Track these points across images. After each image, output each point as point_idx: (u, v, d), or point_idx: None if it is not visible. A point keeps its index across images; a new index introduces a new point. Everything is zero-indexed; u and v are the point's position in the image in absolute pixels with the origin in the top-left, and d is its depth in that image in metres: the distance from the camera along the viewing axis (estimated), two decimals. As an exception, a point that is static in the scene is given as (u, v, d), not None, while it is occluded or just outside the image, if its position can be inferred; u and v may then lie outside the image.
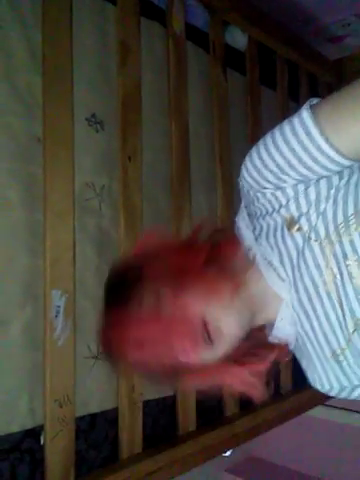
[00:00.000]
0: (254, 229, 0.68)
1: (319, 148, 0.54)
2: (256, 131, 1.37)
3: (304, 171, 0.57)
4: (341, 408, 2.02)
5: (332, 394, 0.70)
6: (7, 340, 0.77)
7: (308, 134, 0.54)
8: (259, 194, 0.63)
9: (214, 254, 0.66)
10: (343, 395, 0.70)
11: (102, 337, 0.67)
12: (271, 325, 0.68)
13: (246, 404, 1.27)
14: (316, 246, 0.60)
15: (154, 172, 1.03)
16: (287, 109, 1.54)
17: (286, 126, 0.56)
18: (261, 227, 0.67)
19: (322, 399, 1.57)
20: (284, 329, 0.69)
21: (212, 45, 1.24)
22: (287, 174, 0.58)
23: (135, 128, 0.99)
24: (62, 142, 0.85)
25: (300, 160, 0.56)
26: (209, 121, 1.22)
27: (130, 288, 0.63)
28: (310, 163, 0.56)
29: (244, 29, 1.36)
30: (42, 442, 0.81)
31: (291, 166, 0.57)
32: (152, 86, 1.06)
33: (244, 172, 0.63)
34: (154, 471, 0.94)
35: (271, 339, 0.70)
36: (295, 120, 0.55)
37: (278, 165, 0.58)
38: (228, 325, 0.63)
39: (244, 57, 1.39)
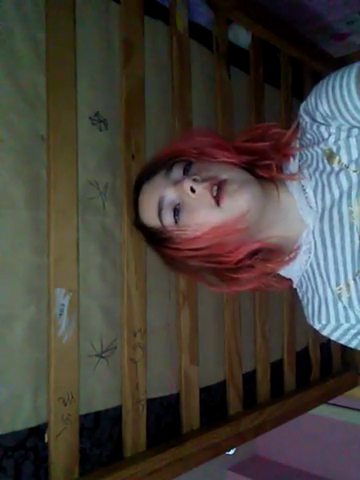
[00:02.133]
0: (300, 158, 0.76)
1: None
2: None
3: (353, 112, 0.65)
4: (345, 407, 2.01)
5: (325, 332, 0.73)
6: (11, 338, 0.77)
7: None
8: (308, 125, 0.72)
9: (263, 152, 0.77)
10: (336, 335, 0.72)
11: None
12: (283, 252, 0.77)
13: (250, 403, 1.27)
14: (354, 176, 0.67)
15: (158, 170, 1.03)
16: (291, 107, 1.54)
17: (353, 69, 0.65)
18: (306, 156, 0.74)
19: (326, 398, 1.57)
20: (291, 270, 0.77)
21: (216, 43, 1.24)
22: (339, 111, 0.66)
23: (138, 126, 0.99)
24: (66, 141, 0.85)
25: (352, 101, 0.64)
26: (213, 119, 1.22)
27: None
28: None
29: (248, 27, 1.35)
30: (46, 440, 0.81)
31: (345, 103, 0.65)
32: (156, 84, 1.06)
33: (304, 105, 0.72)
34: (158, 469, 0.94)
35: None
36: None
37: (325, 111, 0.67)
38: (245, 197, 0.69)
39: (248, 55, 1.39)
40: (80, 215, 0.87)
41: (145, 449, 0.96)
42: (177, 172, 0.75)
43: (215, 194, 0.70)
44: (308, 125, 0.72)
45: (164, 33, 1.10)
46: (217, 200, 0.70)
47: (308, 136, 0.73)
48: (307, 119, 0.72)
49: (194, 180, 0.71)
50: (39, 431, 0.80)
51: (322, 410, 1.79)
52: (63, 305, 0.82)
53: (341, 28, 1.74)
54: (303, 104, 0.73)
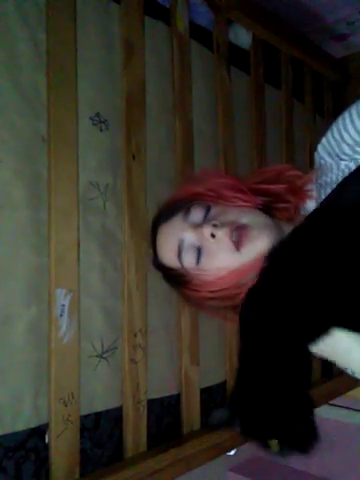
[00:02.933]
0: (319, 199, 0.77)
1: None
2: (260, 129, 1.37)
3: None
4: (346, 407, 2.01)
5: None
6: (12, 338, 0.77)
7: None
8: (334, 164, 0.72)
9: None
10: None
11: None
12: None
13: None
14: None
15: (158, 170, 1.03)
16: (291, 108, 1.54)
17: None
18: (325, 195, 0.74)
19: (327, 399, 1.57)
20: None
21: (216, 44, 1.24)
22: None
23: (139, 127, 0.99)
24: (66, 141, 0.85)
25: None
26: (213, 119, 1.22)
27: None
28: None
29: (248, 27, 1.35)
30: (47, 440, 0.81)
31: None
32: (156, 85, 1.06)
33: (324, 143, 0.72)
34: (158, 470, 0.94)
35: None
36: None
37: (354, 139, 0.67)
38: (264, 241, 0.71)
39: (248, 55, 1.39)
40: (81, 215, 0.87)
41: (146, 450, 0.96)
42: (195, 215, 0.78)
43: (234, 239, 0.72)
44: (328, 164, 0.73)
45: (164, 33, 1.10)
46: (237, 245, 0.72)
47: (329, 176, 0.73)
48: (327, 158, 0.73)
49: (214, 225, 0.73)
50: (40, 432, 0.80)
51: (323, 411, 1.79)
52: (63, 306, 0.82)
53: (341, 28, 1.74)
54: (320, 145, 0.74)
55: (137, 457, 0.93)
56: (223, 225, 0.73)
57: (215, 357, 1.16)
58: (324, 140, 0.73)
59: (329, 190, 0.70)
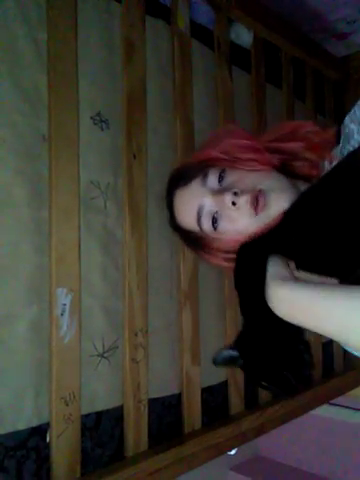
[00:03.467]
0: None
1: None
2: (261, 129, 1.36)
3: None
4: (347, 407, 2.01)
5: None
6: (13, 338, 0.77)
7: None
8: (356, 129, 0.72)
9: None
10: None
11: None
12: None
13: (251, 403, 1.27)
14: None
15: (159, 170, 1.03)
16: (293, 107, 1.53)
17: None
18: None
19: (328, 398, 1.57)
20: None
21: (217, 42, 1.24)
22: None
23: (140, 126, 0.99)
24: (67, 140, 0.85)
25: None
26: (214, 118, 1.22)
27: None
28: None
29: (249, 26, 1.35)
30: (48, 440, 0.81)
31: None
32: (157, 84, 1.06)
33: (351, 114, 0.74)
34: (159, 469, 0.94)
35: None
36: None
37: None
38: (281, 204, 0.72)
39: (249, 54, 1.38)
40: (81, 215, 0.87)
41: (146, 449, 0.96)
42: (213, 180, 0.79)
43: (254, 205, 0.74)
44: (351, 131, 0.73)
45: (165, 32, 1.10)
46: (255, 210, 0.74)
47: (351, 143, 0.73)
48: (351, 126, 0.73)
49: (234, 194, 0.75)
50: (41, 431, 0.80)
51: (324, 410, 1.79)
52: (65, 305, 0.82)
53: (342, 27, 1.74)
54: (348, 116, 0.74)
55: (138, 456, 0.93)
56: (243, 193, 0.75)
57: (216, 356, 1.16)
58: (351, 111, 0.74)
59: None
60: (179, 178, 0.85)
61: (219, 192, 0.77)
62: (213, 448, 1.08)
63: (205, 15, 1.21)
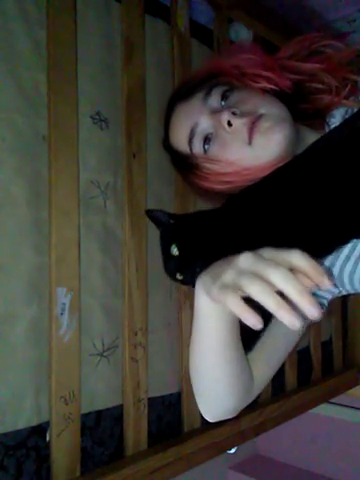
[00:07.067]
0: None
1: None
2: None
3: None
4: (347, 406, 2.01)
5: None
6: (13, 337, 0.77)
7: None
8: None
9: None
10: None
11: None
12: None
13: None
14: None
15: (159, 169, 1.03)
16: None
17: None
18: None
19: (327, 397, 1.57)
20: None
21: (217, 42, 1.24)
22: None
23: (140, 125, 0.99)
24: (67, 140, 0.85)
25: None
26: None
27: None
28: None
29: (249, 26, 1.35)
30: (48, 439, 0.81)
31: None
32: (157, 83, 1.06)
33: None
34: (159, 468, 0.94)
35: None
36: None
37: None
38: (277, 135, 0.66)
39: (249, 54, 1.38)
40: (81, 214, 0.87)
41: (146, 448, 0.96)
42: (216, 98, 0.73)
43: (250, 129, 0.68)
44: None
45: (165, 32, 1.09)
46: (250, 135, 0.68)
47: None
48: None
49: (233, 113, 0.69)
50: (40, 430, 0.81)
51: (323, 409, 1.79)
52: (64, 304, 0.82)
53: (342, 26, 1.73)
54: None
55: (138, 455, 0.93)
56: (243, 115, 0.69)
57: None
58: None
59: None
60: (182, 90, 0.80)
61: (218, 111, 0.72)
62: (213, 447, 1.08)
63: (205, 14, 1.21)
